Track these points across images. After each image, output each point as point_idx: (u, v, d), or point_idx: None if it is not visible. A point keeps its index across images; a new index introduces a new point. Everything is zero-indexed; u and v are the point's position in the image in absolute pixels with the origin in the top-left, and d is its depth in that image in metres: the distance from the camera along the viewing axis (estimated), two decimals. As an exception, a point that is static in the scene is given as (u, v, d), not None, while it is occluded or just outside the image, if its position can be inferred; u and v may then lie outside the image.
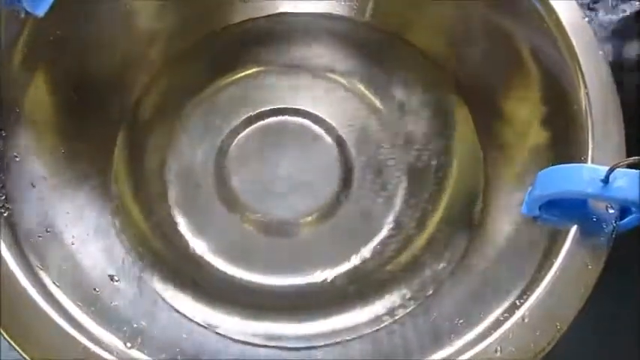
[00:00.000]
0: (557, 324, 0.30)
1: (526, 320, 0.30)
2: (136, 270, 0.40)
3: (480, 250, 0.39)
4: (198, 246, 0.41)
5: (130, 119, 0.43)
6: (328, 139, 0.43)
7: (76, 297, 0.33)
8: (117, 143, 0.43)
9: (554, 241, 0.33)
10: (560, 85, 0.37)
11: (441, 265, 0.40)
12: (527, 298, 0.31)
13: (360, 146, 0.43)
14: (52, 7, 0.35)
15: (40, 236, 0.35)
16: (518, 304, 0.31)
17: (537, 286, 0.31)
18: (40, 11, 0.35)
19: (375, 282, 0.40)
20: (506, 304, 0.32)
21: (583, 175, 0.31)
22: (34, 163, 0.37)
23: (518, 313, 0.30)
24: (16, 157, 0.36)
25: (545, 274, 0.31)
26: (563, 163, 0.33)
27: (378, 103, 0.45)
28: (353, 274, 0.40)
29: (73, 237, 0.38)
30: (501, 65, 0.41)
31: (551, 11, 0.37)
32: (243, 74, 0.45)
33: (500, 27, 0.40)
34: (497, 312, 0.32)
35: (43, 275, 0.33)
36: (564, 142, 0.36)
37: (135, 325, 0.35)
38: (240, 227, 0.41)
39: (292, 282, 0.40)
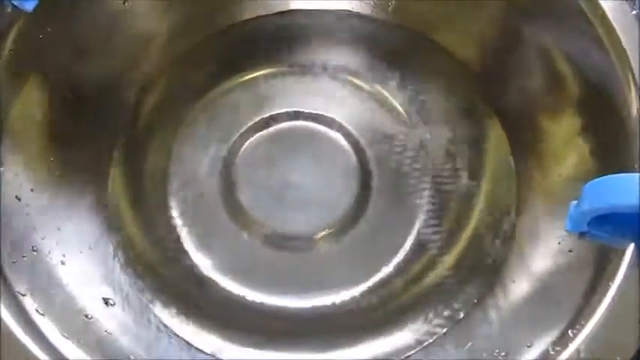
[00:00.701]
0: (618, 358, 0.28)
1: (582, 354, 0.28)
2: (135, 292, 0.38)
3: (517, 270, 0.37)
4: (203, 264, 0.39)
5: (128, 126, 0.42)
6: (345, 145, 0.41)
7: (63, 326, 0.31)
8: (114, 151, 0.41)
9: (607, 260, 0.30)
10: (603, 90, 0.35)
11: (473, 286, 0.38)
12: (581, 328, 0.28)
13: (380, 154, 0.41)
14: (41, 1, 0.33)
15: (24, 256, 0.33)
16: (571, 334, 0.29)
17: (592, 313, 0.29)
18: (29, 6, 0.33)
19: (399, 305, 0.38)
20: (554, 334, 0.30)
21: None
22: (20, 173, 0.35)
23: (572, 346, 0.28)
24: None
25: (600, 300, 0.29)
26: (612, 174, 0.29)
27: (399, 107, 0.42)
28: (373, 296, 0.39)
29: (63, 256, 0.36)
30: (535, 71, 0.40)
31: (597, 7, 0.34)
32: (251, 76, 0.43)
33: (535, 29, 0.38)
34: (545, 342, 0.30)
35: (25, 302, 0.31)
36: (611, 150, 0.35)
37: (132, 357, 0.33)
38: (249, 243, 0.40)
39: (306, 304, 0.39)
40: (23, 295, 0.31)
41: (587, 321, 0.28)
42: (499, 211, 0.40)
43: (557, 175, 0.38)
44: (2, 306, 0.29)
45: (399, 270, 0.39)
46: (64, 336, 0.30)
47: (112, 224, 0.39)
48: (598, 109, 0.36)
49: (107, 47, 0.40)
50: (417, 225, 0.40)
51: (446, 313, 0.37)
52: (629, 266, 0.29)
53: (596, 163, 0.35)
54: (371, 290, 0.39)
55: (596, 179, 0.29)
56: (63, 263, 0.35)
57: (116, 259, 0.38)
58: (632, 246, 0.29)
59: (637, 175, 0.30)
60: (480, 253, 0.39)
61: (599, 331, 0.28)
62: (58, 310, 0.32)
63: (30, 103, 0.37)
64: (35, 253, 0.34)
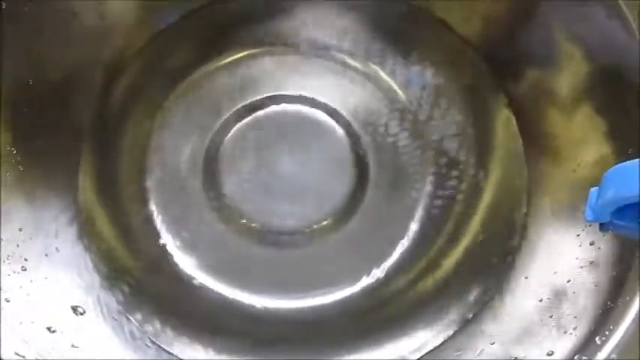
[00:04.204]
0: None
1: (616, 366, 0.26)
2: (109, 297, 0.36)
3: (530, 266, 0.35)
4: (186, 263, 0.38)
5: (97, 114, 0.40)
6: (338, 131, 0.40)
7: (18, 343, 0.29)
8: (83, 143, 0.39)
9: (633, 255, 0.28)
10: (617, 72, 0.33)
11: (482, 284, 0.37)
12: (610, 334, 0.26)
13: (377, 140, 0.39)
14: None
15: None
16: (598, 342, 0.26)
17: (622, 317, 0.26)
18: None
19: (400, 306, 0.37)
20: (578, 340, 0.28)
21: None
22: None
23: (601, 355, 0.26)
24: None
25: (631, 301, 0.26)
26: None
27: (397, 88, 0.40)
28: (374, 296, 0.37)
29: (25, 260, 0.34)
30: (544, 52, 0.38)
31: None
32: (234, 57, 0.41)
33: (546, 6, 0.36)
34: (569, 349, 0.28)
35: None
36: (628, 135, 0.33)
37: (102, 375, 0.32)
38: (237, 240, 0.38)
39: (299, 305, 0.38)
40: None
41: (616, 325, 0.26)
42: (509, 201, 0.38)
43: (571, 161, 0.36)
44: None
45: (401, 266, 0.38)
46: (18, 356, 0.28)
47: (84, 223, 0.38)
48: (611, 92, 0.34)
49: (73, 25, 0.38)
50: (419, 217, 0.38)
51: (452, 313, 0.36)
52: (662, 262, 0.27)
53: (612, 147, 0.34)
54: (371, 288, 0.37)
55: (621, 164, 0.27)
56: (24, 269, 0.34)
57: (88, 261, 0.37)
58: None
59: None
60: (488, 248, 0.38)
61: (633, 336, 0.26)
62: (16, 323, 0.30)
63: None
64: (-11, 259, 0.33)
